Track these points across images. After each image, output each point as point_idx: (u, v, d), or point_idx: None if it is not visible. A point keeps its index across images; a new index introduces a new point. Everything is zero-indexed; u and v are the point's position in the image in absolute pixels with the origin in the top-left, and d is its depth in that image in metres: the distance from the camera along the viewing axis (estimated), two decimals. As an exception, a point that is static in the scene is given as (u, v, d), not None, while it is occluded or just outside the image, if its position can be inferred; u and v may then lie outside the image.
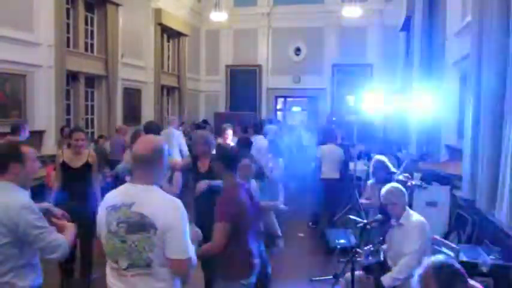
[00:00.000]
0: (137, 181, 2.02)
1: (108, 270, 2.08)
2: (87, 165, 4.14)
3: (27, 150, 2.35)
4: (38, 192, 4.99)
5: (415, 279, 1.97)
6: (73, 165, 4.09)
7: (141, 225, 1.92)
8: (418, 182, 4.92)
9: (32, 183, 2.52)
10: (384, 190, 3.60)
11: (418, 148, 7.87)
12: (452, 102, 6.04)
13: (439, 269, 1.89)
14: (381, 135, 11.36)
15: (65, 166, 4.11)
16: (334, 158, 6.79)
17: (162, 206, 1.97)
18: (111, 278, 2.06)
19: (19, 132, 5.43)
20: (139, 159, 2.01)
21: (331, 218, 6.79)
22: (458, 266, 1.95)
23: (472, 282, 2.06)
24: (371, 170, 4.98)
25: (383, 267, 3.54)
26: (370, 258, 3.60)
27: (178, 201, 2.02)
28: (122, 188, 2.09)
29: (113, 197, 2.06)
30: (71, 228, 2.45)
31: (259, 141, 6.53)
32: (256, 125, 7.45)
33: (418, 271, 1.95)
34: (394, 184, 3.70)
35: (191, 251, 2.02)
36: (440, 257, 2.02)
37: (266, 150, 6.14)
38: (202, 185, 3.73)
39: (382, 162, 4.86)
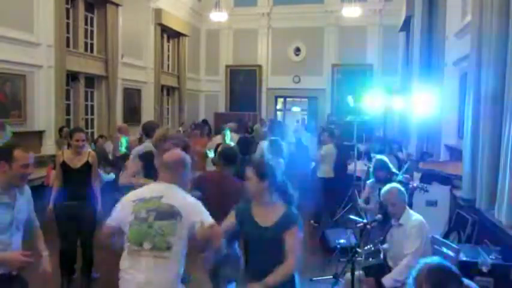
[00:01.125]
0: (163, 181, 2.51)
1: (125, 255, 2.39)
2: (87, 165, 4.15)
3: (20, 155, 2.48)
4: (38, 192, 5.00)
5: (410, 281, 1.97)
6: (73, 166, 4.11)
7: (170, 214, 2.37)
8: (420, 185, 4.92)
9: (26, 183, 2.63)
10: (383, 190, 3.60)
11: (418, 148, 7.87)
12: (452, 102, 6.04)
13: (432, 271, 1.89)
14: (381, 135, 11.35)
15: (65, 166, 4.13)
16: (334, 157, 6.95)
17: (185, 199, 2.46)
18: (128, 260, 2.37)
19: None
20: (166, 165, 2.54)
21: (332, 215, 7.01)
22: (452, 267, 1.94)
23: (467, 281, 2.06)
24: (372, 169, 4.98)
25: (383, 268, 3.53)
26: (370, 259, 3.59)
27: (193, 197, 2.55)
28: (147, 186, 2.61)
29: (139, 193, 2.52)
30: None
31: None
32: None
33: (413, 273, 1.95)
34: (393, 184, 3.70)
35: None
36: (434, 259, 2.02)
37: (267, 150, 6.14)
38: None
39: (383, 162, 4.85)
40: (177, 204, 2.39)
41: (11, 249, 2.45)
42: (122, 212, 2.46)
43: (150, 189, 2.52)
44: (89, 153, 4.25)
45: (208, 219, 2.40)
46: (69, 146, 4.38)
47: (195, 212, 2.42)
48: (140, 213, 2.38)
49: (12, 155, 2.45)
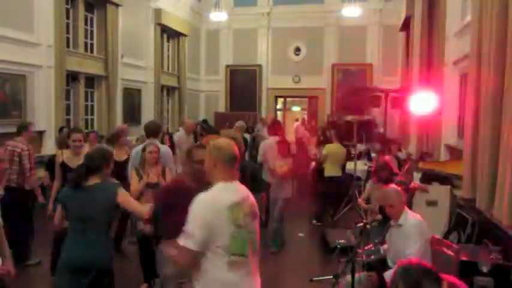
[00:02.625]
0: (234, 178, 2.28)
1: (220, 266, 2.12)
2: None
3: None
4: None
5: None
6: (72, 165, 4.14)
7: (255, 213, 2.29)
8: (420, 186, 4.93)
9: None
10: (381, 192, 3.61)
11: (418, 148, 7.87)
12: (452, 102, 6.04)
13: (405, 270, 1.90)
14: (381, 135, 11.35)
15: (64, 166, 4.19)
16: (337, 157, 7.08)
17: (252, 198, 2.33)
18: (227, 273, 2.12)
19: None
20: (236, 159, 2.27)
21: (333, 214, 7.09)
22: (426, 265, 1.95)
23: (449, 278, 2.07)
24: (373, 169, 4.98)
25: (385, 264, 3.53)
26: (372, 257, 3.60)
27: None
28: (226, 187, 2.23)
29: (225, 197, 2.18)
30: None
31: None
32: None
33: (388, 276, 1.95)
34: (390, 186, 3.71)
35: None
36: (411, 259, 2.05)
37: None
38: None
39: (384, 162, 4.86)
40: (253, 201, 2.30)
41: None
42: (213, 225, 2.10)
43: (234, 191, 2.25)
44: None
45: None
46: (67, 146, 4.40)
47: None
48: (239, 220, 2.16)
49: None
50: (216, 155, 2.24)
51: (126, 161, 4.97)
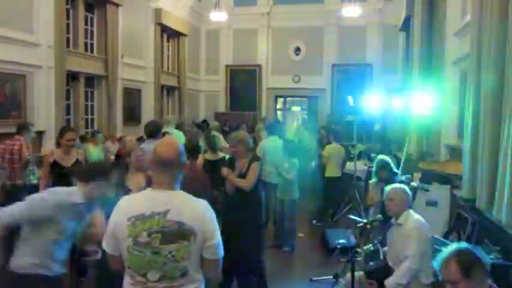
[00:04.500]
0: (163, 186, 1.92)
1: (127, 284, 1.95)
2: (78, 163, 4.25)
3: None
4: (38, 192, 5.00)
5: (437, 264, 2.09)
6: (64, 164, 4.24)
7: (180, 234, 1.84)
8: (421, 185, 4.93)
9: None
10: (388, 187, 3.61)
11: (418, 148, 7.87)
12: (452, 102, 6.04)
13: (460, 252, 2.04)
14: (381, 135, 11.36)
15: (56, 165, 4.25)
16: (338, 157, 7.17)
17: (197, 210, 1.91)
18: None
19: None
20: (166, 163, 1.92)
21: (333, 214, 7.19)
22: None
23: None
24: (374, 169, 4.98)
25: (385, 271, 3.51)
26: (371, 263, 3.58)
27: (205, 202, 1.98)
28: (145, 195, 1.96)
29: (136, 205, 1.92)
30: None
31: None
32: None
33: (439, 256, 2.09)
34: (400, 184, 3.71)
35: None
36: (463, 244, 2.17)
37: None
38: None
39: (385, 162, 4.86)
40: (189, 219, 1.86)
41: None
42: (115, 232, 1.92)
43: (149, 200, 1.91)
44: (77, 151, 4.43)
45: (219, 244, 1.94)
46: (58, 144, 4.45)
47: (210, 231, 1.91)
48: (140, 236, 1.85)
49: None
50: (151, 158, 2.01)
51: None
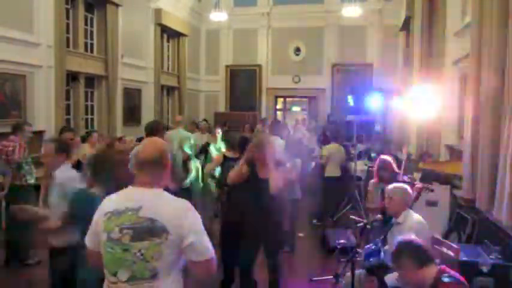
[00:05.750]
0: (142, 185, 1.94)
1: (105, 285, 1.93)
2: (78, 163, 4.25)
3: None
4: (38, 192, 5.00)
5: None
6: None
7: (151, 231, 1.82)
8: (425, 185, 4.92)
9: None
10: (389, 186, 3.61)
11: (418, 148, 7.87)
12: (452, 102, 6.04)
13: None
14: (381, 135, 11.36)
15: None
16: (337, 157, 7.21)
17: (175, 209, 1.89)
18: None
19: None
20: (143, 162, 1.95)
21: (333, 214, 7.18)
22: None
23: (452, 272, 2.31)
24: (375, 168, 4.98)
25: (385, 267, 3.53)
26: (371, 260, 3.58)
27: (187, 202, 1.96)
28: (123, 192, 1.98)
29: (113, 201, 1.96)
30: None
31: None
32: None
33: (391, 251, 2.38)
34: (402, 184, 3.71)
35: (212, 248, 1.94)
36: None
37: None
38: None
39: (386, 162, 4.86)
40: (161, 216, 1.83)
41: None
42: (94, 228, 1.97)
43: (125, 198, 1.93)
44: (76, 152, 4.40)
45: (203, 244, 1.88)
46: None
47: (188, 230, 1.85)
48: (112, 232, 1.85)
49: None
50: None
51: None
